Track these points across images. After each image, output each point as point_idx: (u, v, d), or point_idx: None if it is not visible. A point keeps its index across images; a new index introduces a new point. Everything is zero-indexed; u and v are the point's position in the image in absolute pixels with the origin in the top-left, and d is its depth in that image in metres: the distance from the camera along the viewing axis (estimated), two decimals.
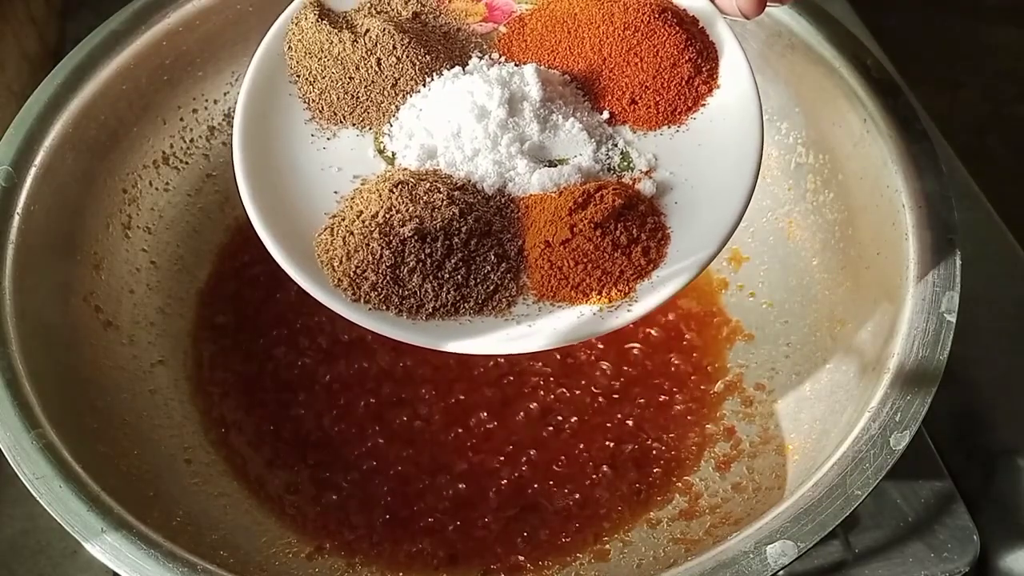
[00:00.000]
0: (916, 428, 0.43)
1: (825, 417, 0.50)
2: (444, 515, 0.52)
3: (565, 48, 0.46)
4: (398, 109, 0.45)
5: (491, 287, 0.41)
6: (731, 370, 0.57)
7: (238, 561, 0.46)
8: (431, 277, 0.40)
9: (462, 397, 0.56)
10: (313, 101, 0.46)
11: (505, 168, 0.43)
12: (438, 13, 0.49)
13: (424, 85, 0.46)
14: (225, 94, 0.62)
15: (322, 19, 0.47)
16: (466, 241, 0.41)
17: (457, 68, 0.46)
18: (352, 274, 0.40)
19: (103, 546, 0.41)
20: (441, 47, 0.47)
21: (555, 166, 0.43)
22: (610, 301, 0.40)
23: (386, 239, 0.40)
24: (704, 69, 0.45)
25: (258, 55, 0.47)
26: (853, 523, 0.54)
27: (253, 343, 0.58)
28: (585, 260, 0.40)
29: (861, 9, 0.78)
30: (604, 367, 0.57)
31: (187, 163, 0.61)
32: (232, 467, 0.54)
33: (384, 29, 0.46)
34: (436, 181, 0.42)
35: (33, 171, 0.51)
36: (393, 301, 0.40)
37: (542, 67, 0.46)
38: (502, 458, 0.54)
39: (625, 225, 0.41)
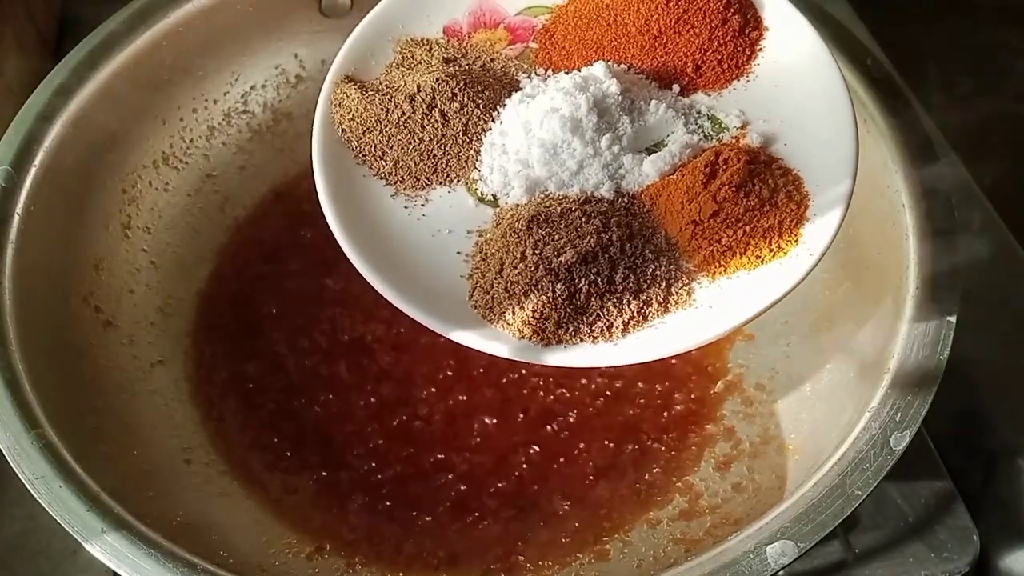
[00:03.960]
0: (916, 428, 0.43)
1: (825, 417, 0.50)
2: (444, 515, 0.52)
3: (611, 39, 0.46)
4: (478, 153, 0.45)
5: (664, 283, 0.40)
6: (731, 370, 0.57)
7: (238, 561, 0.46)
8: (607, 293, 0.40)
9: (462, 397, 0.56)
10: (391, 174, 0.45)
11: (613, 169, 0.43)
12: (465, 51, 0.48)
13: (494, 121, 0.45)
14: (225, 94, 0.62)
15: (365, 91, 0.46)
16: (621, 248, 0.40)
17: (517, 94, 0.45)
18: (533, 321, 0.39)
19: (103, 546, 0.41)
20: (491, 80, 0.46)
21: (655, 151, 0.44)
22: (784, 252, 0.40)
23: (552, 274, 0.39)
24: (749, 16, 0.46)
25: (315, 151, 0.45)
26: (853, 523, 0.54)
27: (253, 343, 0.58)
28: (741, 223, 0.40)
29: (861, 9, 0.78)
30: (603, 367, 0.57)
31: (187, 163, 0.61)
32: (232, 467, 0.54)
33: (437, 79, 0.44)
34: (561, 204, 0.42)
35: (33, 171, 0.51)
36: (584, 331, 0.40)
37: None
38: (502, 458, 0.54)
39: (760, 178, 0.41)
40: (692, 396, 0.57)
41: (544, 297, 0.39)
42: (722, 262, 0.41)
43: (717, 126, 0.45)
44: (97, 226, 0.56)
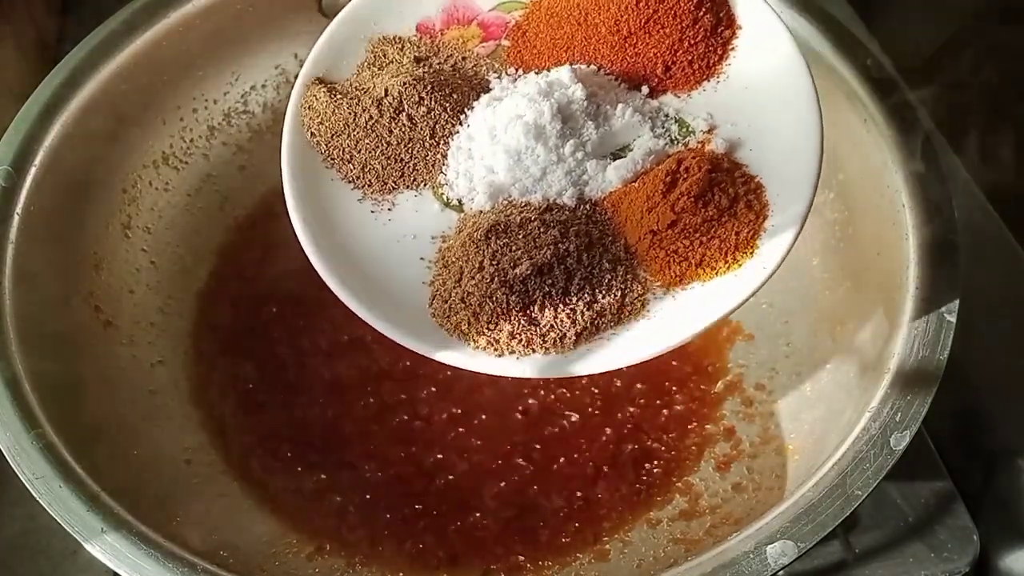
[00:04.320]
0: (916, 428, 0.43)
1: (825, 417, 0.50)
2: (444, 515, 0.52)
3: (581, 39, 0.46)
4: (445, 156, 0.44)
5: (619, 293, 0.40)
6: (731, 370, 0.57)
7: (238, 561, 0.46)
8: (561, 305, 0.40)
9: (462, 397, 0.56)
10: (358, 178, 0.45)
11: (577, 175, 0.43)
12: (437, 49, 0.48)
13: (461, 124, 0.45)
14: (225, 94, 0.62)
15: (333, 94, 0.45)
16: (578, 259, 0.40)
17: (485, 97, 0.45)
18: (486, 331, 0.39)
19: (103, 546, 0.41)
20: (460, 81, 0.46)
21: (619, 156, 0.43)
22: (739, 264, 0.40)
23: (506, 286, 0.39)
24: (722, 15, 0.46)
25: (285, 154, 0.45)
26: (853, 523, 0.54)
27: (253, 343, 0.58)
28: (698, 234, 0.40)
29: (861, 9, 0.78)
30: None
31: (187, 163, 0.61)
32: (232, 467, 0.54)
33: (403, 83, 0.44)
34: (521, 212, 0.42)
35: (33, 171, 0.51)
36: (536, 342, 0.40)
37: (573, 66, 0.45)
38: (502, 458, 0.54)
39: (720, 188, 0.41)
40: (692, 396, 0.57)
41: (498, 308, 0.39)
42: (677, 273, 0.41)
43: (684, 129, 0.44)
44: (97, 226, 0.56)
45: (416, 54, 0.47)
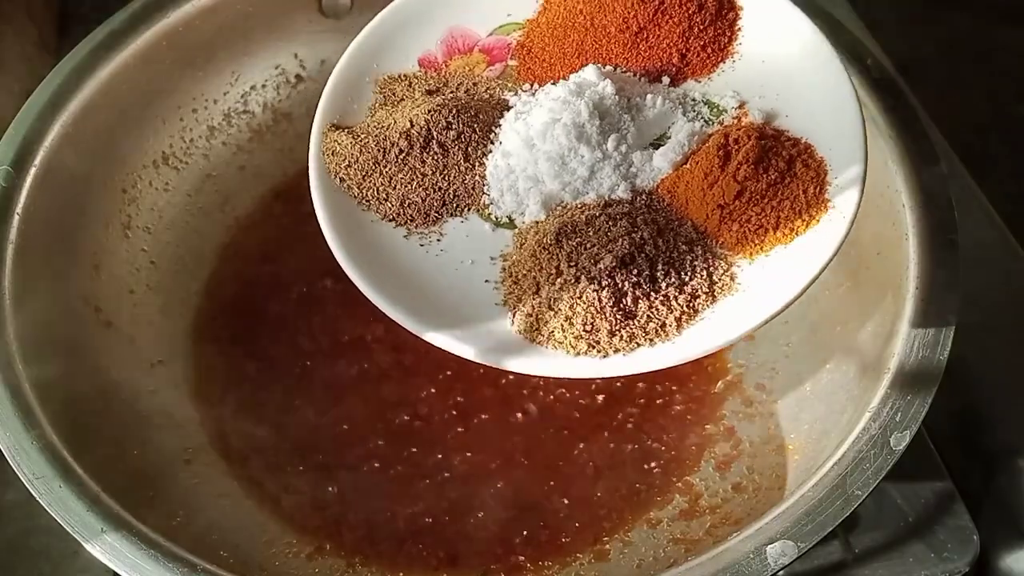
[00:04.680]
0: (916, 428, 0.43)
1: (825, 417, 0.50)
2: (444, 515, 0.52)
3: (592, 43, 0.46)
4: (483, 177, 0.44)
5: (705, 272, 0.40)
6: (731, 370, 0.57)
7: (238, 561, 0.46)
8: (653, 293, 0.39)
9: (462, 397, 0.56)
10: (399, 215, 0.44)
11: (625, 169, 0.43)
12: (446, 80, 0.48)
13: (492, 143, 0.44)
14: (225, 94, 0.62)
15: (356, 135, 0.44)
16: (655, 244, 0.40)
17: (509, 113, 0.45)
18: (585, 335, 0.39)
19: (103, 546, 0.41)
20: (480, 103, 0.46)
21: (659, 145, 0.43)
22: (816, 220, 0.40)
23: (595, 282, 0.38)
24: None
25: (319, 207, 0.43)
26: (853, 523, 0.54)
27: (253, 343, 0.58)
28: (766, 200, 0.40)
29: (861, 9, 0.78)
30: None
31: (187, 163, 0.61)
32: (232, 467, 0.54)
33: (429, 111, 0.43)
34: (583, 211, 0.41)
35: (33, 171, 0.51)
36: (639, 336, 0.39)
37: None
38: (502, 458, 0.54)
39: (774, 152, 0.41)
40: (692, 396, 0.57)
41: (591, 308, 0.38)
42: (757, 241, 0.41)
43: (715, 110, 0.45)
44: (97, 226, 0.56)
45: (427, 88, 0.47)
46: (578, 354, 0.39)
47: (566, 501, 0.53)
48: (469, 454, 0.54)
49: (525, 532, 0.52)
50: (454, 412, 0.56)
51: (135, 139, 0.58)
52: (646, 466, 0.54)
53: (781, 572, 0.40)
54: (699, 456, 0.54)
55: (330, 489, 0.53)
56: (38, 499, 0.42)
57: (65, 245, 0.53)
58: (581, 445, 0.55)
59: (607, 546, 0.51)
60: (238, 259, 0.61)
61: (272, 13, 0.61)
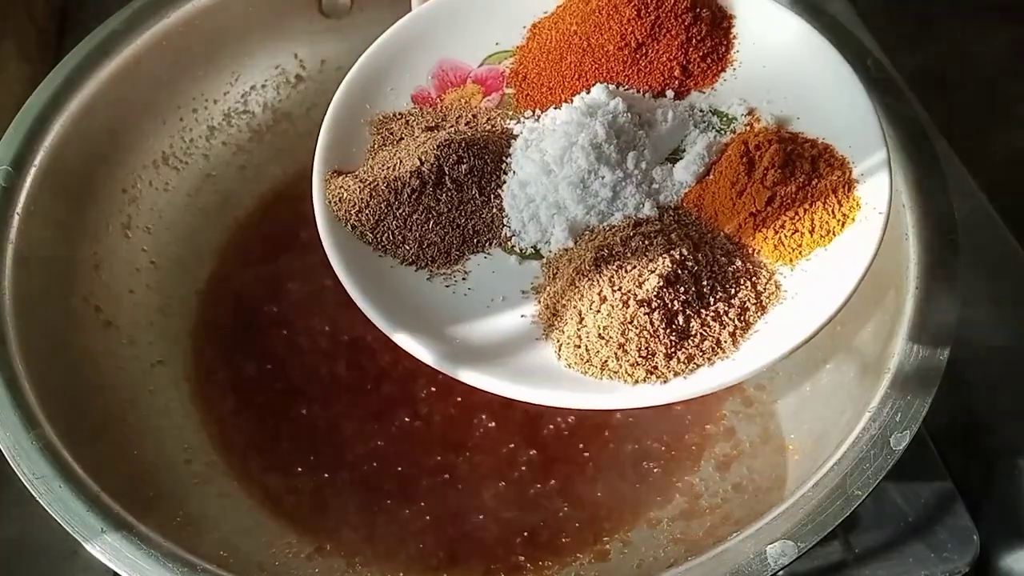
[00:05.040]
0: (916, 428, 0.43)
1: (825, 417, 0.50)
2: (444, 515, 0.52)
3: (591, 63, 0.46)
4: (501, 210, 0.42)
5: (749, 284, 0.39)
6: None
7: (238, 561, 0.46)
8: (702, 311, 0.38)
9: (462, 398, 0.56)
10: (420, 257, 0.42)
11: (647, 186, 0.42)
12: (444, 115, 0.47)
13: (505, 174, 0.43)
14: (225, 94, 0.62)
15: (362, 180, 0.42)
16: (696, 259, 0.39)
17: (517, 141, 0.44)
18: (642, 361, 0.37)
19: (103, 546, 0.41)
20: (486, 134, 0.44)
21: (676, 159, 0.43)
22: (852, 219, 0.40)
23: (644, 306, 0.37)
24: (715, 8, 0.46)
25: (333, 258, 0.41)
26: (853, 523, 0.54)
27: (253, 343, 0.58)
28: (798, 203, 0.40)
29: (861, 9, 0.78)
30: None
31: (187, 163, 0.61)
32: (232, 467, 0.54)
33: (437, 147, 0.42)
34: (616, 233, 0.40)
35: (33, 171, 0.51)
36: (696, 356, 0.38)
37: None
38: (502, 458, 0.54)
39: (797, 154, 0.41)
40: None
41: (644, 332, 0.37)
42: (795, 246, 0.40)
43: (725, 119, 0.44)
44: (97, 226, 0.56)
45: (425, 124, 0.46)
46: (636, 382, 0.37)
47: (566, 501, 0.53)
48: (469, 454, 0.54)
49: (525, 532, 0.52)
50: (454, 412, 0.56)
51: (135, 139, 0.58)
52: (646, 466, 0.54)
53: (781, 572, 0.40)
54: (699, 456, 0.54)
55: (330, 489, 0.53)
56: (38, 499, 0.42)
57: (65, 245, 0.53)
58: (581, 445, 0.55)
59: (607, 546, 0.51)
60: (238, 259, 0.61)
61: (272, 13, 0.61)
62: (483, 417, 0.55)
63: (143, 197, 0.59)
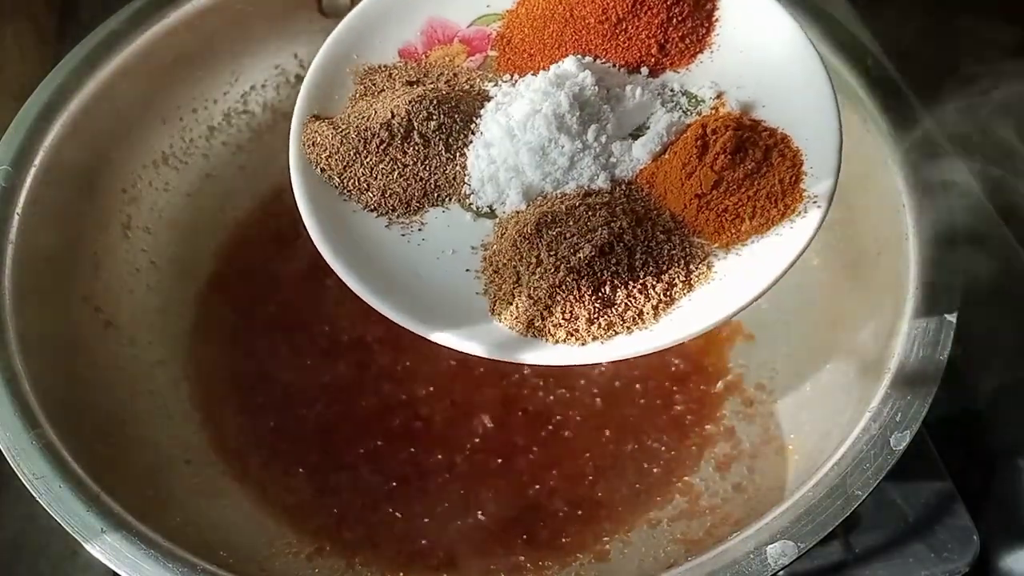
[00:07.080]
0: (916, 428, 0.43)
1: (825, 417, 0.50)
2: (444, 515, 0.52)
3: (571, 34, 0.46)
4: (464, 168, 0.44)
5: (682, 261, 0.40)
6: (731, 370, 0.57)
7: (238, 561, 0.46)
8: (631, 282, 0.39)
9: (462, 397, 0.56)
10: (381, 205, 0.44)
11: (604, 159, 0.43)
12: (426, 71, 0.48)
13: (473, 134, 0.44)
14: (225, 94, 0.62)
15: (336, 126, 0.45)
16: (634, 234, 0.40)
17: (490, 103, 0.45)
18: (563, 322, 0.39)
19: (103, 546, 0.41)
20: (460, 94, 0.46)
21: (637, 136, 0.44)
22: (792, 210, 0.41)
23: (574, 272, 0.39)
24: None
25: (300, 198, 0.44)
26: (853, 523, 0.54)
27: (253, 343, 0.58)
28: (743, 189, 0.41)
29: (861, 9, 0.78)
30: (604, 367, 0.57)
31: (187, 163, 0.61)
32: (232, 467, 0.54)
33: (409, 102, 0.44)
34: (563, 201, 0.41)
35: (33, 171, 0.51)
36: (616, 324, 0.39)
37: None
38: (502, 458, 0.54)
39: (751, 142, 0.41)
40: (692, 396, 0.57)
41: (571, 296, 0.39)
42: (733, 230, 0.41)
43: (693, 101, 0.45)
44: (97, 226, 0.56)
45: (407, 78, 0.47)
46: (557, 342, 0.39)
47: (566, 501, 0.53)
48: (469, 454, 0.54)
49: (525, 532, 0.52)
50: (454, 412, 0.56)
51: (135, 139, 0.58)
52: (646, 466, 0.54)
53: (781, 572, 0.40)
54: (699, 456, 0.54)
55: (330, 490, 0.53)
56: (38, 499, 0.42)
57: (65, 245, 0.53)
58: (581, 445, 0.55)
59: (607, 546, 0.51)
60: (238, 259, 0.61)
61: (272, 13, 0.61)
62: (483, 417, 0.55)
63: (143, 197, 0.59)
